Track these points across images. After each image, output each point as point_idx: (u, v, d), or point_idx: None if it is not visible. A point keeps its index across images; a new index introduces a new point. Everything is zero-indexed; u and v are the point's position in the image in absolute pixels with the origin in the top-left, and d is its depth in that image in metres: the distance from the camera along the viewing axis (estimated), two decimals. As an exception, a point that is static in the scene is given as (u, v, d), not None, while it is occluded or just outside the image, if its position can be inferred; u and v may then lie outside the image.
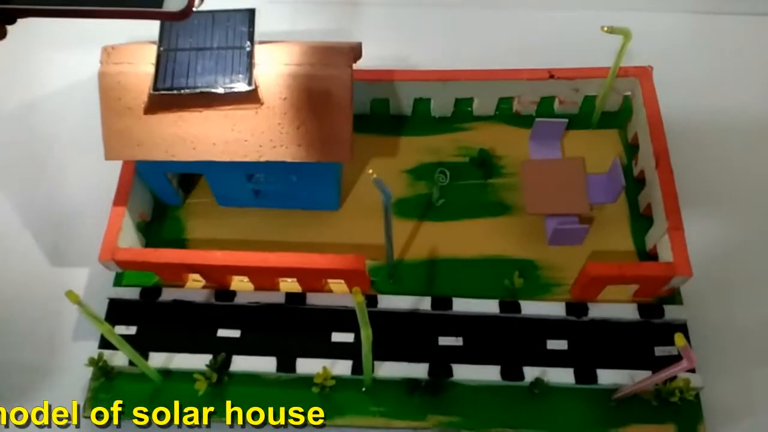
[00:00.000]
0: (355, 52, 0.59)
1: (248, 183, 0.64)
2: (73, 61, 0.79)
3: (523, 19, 0.81)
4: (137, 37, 0.60)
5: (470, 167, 0.69)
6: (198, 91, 0.55)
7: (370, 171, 0.49)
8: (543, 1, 0.81)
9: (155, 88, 0.56)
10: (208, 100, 0.56)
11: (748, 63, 0.78)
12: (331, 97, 0.57)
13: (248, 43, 0.57)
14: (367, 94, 0.70)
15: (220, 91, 0.55)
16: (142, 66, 0.57)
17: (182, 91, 0.55)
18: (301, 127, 0.57)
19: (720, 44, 0.80)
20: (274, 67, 0.57)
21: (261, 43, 0.58)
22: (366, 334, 0.48)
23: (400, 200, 0.67)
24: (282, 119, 0.57)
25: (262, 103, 0.57)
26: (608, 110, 0.71)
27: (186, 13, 0.38)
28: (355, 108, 0.67)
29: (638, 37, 0.61)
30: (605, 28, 0.57)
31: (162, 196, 0.67)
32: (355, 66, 0.60)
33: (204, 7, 0.58)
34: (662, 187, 0.60)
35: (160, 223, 0.67)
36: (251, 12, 0.58)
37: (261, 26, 0.58)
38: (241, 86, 0.55)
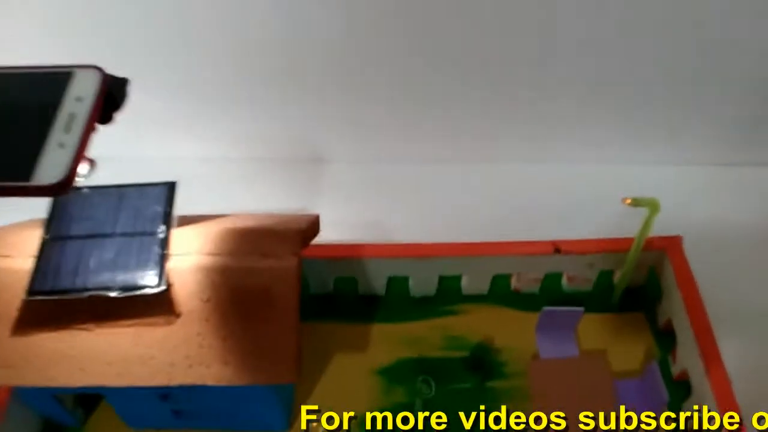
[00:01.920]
0: (307, 231, 0.46)
1: (164, 402, 0.48)
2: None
3: (517, 177, 0.68)
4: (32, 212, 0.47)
5: (462, 366, 0.54)
6: (87, 294, 0.41)
7: (315, 424, 0.33)
8: (540, 155, 0.69)
9: (30, 291, 0.41)
10: (103, 306, 0.42)
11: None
12: (270, 298, 0.42)
13: (162, 227, 0.43)
14: (330, 272, 0.57)
15: (117, 294, 0.41)
16: (22, 259, 0.43)
17: (66, 296, 0.41)
18: (229, 338, 0.42)
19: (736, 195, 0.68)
20: (195, 258, 0.43)
21: (184, 225, 0.45)
22: None
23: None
24: (203, 328, 0.42)
25: (176, 308, 0.42)
26: (629, 285, 0.57)
27: (64, 186, 0.28)
28: (315, 287, 0.55)
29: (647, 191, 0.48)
30: (628, 201, 0.45)
31: (53, 417, 0.51)
32: (314, 241, 0.47)
33: (114, 180, 0.46)
34: (719, 401, 0.45)
35: (49, 455, 0.50)
36: (170, 186, 0.45)
37: (193, 195, 0.45)
38: (147, 286, 0.41)
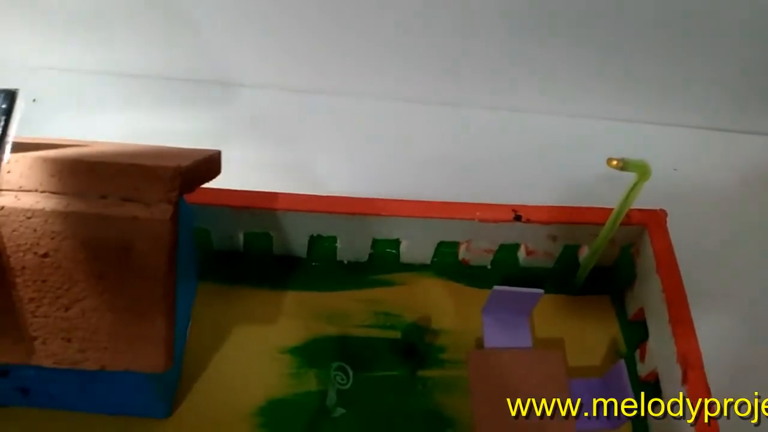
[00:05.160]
0: (194, 171, 0.35)
1: (4, 379, 0.37)
2: None
3: (478, 126, 0.57)
4: None
5: (391, 350, 0.44)
6: None
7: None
8: (507, 102, 0.57)
9: None
10: None
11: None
12: (131, 258, 0.32)
13: (-11, 150, 0.32)
14: (238, 225, 0.46)
15: None
16: None
17: None
18: (74, 307, 0.32)
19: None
20: (30, 197, 0.32)
21: (20, 152, 0.33)
22: None
23: (274, 402, 0.42)
24: (37, 293, 0.31)
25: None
26: (597, 264, 0.48)
27: None
28: (219, 242, 0.44)
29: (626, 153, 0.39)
30: (614, 162, 0.35)
31: None
32: (219, 184, 0.36)
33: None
34: (696, 420, 0.37)
35: None
36: (10, 95, 0.33)
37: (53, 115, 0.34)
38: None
